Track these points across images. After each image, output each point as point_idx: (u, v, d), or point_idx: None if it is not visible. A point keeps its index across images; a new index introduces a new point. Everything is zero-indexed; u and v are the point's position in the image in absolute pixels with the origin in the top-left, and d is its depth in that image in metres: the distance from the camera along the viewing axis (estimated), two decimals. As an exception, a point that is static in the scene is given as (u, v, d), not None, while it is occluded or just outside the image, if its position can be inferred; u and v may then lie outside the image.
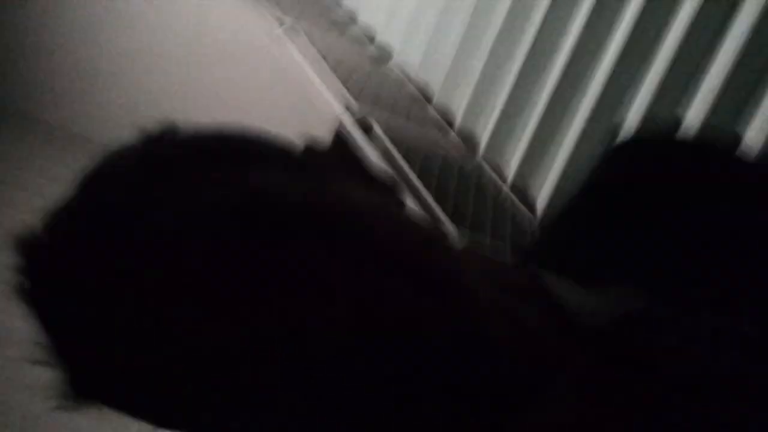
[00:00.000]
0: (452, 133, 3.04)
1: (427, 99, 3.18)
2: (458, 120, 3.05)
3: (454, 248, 0.67)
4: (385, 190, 0.71)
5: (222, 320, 0.56)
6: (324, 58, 3.04)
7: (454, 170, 2.69)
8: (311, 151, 0.70)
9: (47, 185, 3.19)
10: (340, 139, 0.72)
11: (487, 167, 2.85)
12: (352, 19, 3.63)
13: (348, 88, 2.88)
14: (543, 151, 2.74)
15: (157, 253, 0.57)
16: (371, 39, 3.50)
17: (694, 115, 2.32)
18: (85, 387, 0.59)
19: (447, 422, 0.59)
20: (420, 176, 2.50)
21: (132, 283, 0.57)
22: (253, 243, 0.58)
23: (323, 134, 0.73)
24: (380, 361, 0.57)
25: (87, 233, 0.59)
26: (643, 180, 0.84)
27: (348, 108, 2.74)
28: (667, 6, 2.51)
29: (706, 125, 2.24)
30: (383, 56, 3.40)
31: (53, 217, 0.61)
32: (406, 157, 2.55)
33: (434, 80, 3.20)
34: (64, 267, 0.59)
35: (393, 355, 0.58)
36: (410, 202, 2.35)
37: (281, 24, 3.21)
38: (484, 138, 2.95)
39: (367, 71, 3.18)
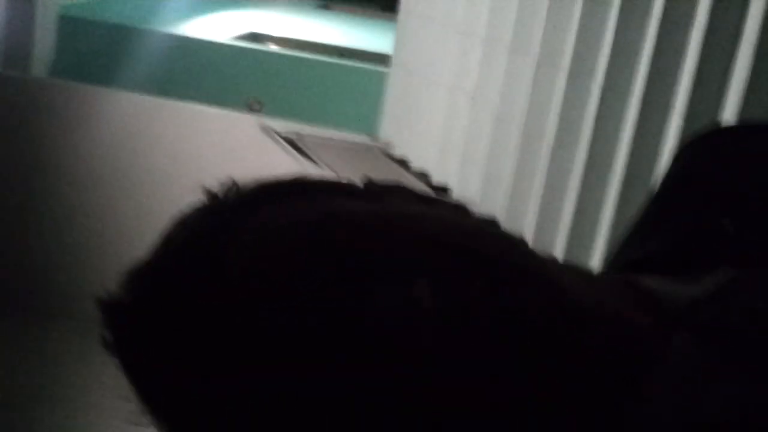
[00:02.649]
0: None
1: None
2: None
3: (538, 252, 0.67)
4: (453, 207, 0.70)
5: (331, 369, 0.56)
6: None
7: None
8: (372, 184, 0.70)
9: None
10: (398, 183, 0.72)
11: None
12: (404, 165, 3.65)
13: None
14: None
15: (241, 290, 0.57)
16: (427, 181, 3.50)
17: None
18: None
19: (565, 419, 0.57)
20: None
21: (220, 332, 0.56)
22: (340, 262, 0.58)
23: None
24: (477, 356, 0.56)
25: (166, 285, 0.59)
26: (727, 163, 0.78)
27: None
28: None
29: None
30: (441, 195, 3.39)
31: (132, 276, 0.61)
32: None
33: (496, 211, 3.17)
34: (146, 325, 0.59)
35: (489, 352, 0.56)
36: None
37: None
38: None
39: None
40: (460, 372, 0.56)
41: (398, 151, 3.68)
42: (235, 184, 0.65)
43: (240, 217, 0.62)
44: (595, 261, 2.80)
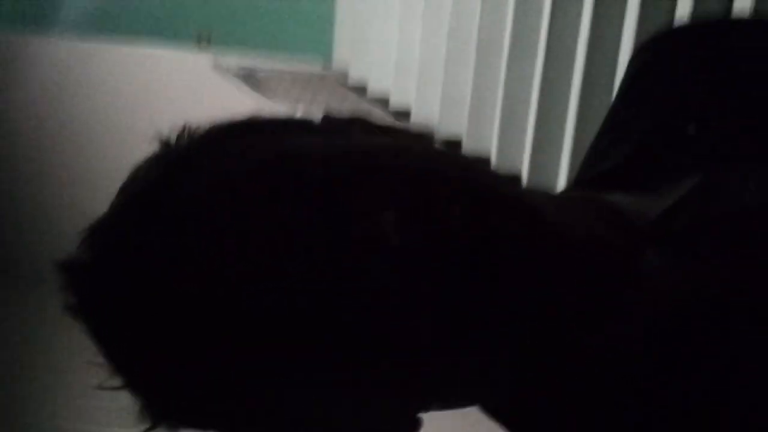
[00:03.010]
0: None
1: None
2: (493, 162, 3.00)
3: (503, 174, 0.66)
4: (417, 136, 0.68)
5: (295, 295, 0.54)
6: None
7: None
8: (330, 118, 0.68)
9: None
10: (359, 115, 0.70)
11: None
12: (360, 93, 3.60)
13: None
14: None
15: (197, 237, 0.55)
16: (385, 103, 3.46)
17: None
18: (158, 410, 0.57)
19: (539, 334, 0.57)
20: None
21: (181, 280, 0.55)
22: (305, 200, 0.56)
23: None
24: (459, 286, 0.55)
25: (124, 242, 0.57)
26: (685, 62, 0.75)
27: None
28: None
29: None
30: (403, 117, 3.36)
31: (91, 233, 0.59)
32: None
33: (459, 131, 3.14)
34: (108, 285, 0.57)
35: (472, 278, 0.55)
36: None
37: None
38: (524, 172, 2.89)
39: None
40: (437, 311, 0.54)
41: (354, 75, 3.63)
42: (187, 128, 0.64)
43: (194, 164, 0.60)
44: (560, 177, 2.79)
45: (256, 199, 0.56)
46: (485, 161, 0.74)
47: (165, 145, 0.63)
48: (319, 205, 0.56)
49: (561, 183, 2.80)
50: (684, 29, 0.84)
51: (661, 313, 0.58)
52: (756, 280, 0.57)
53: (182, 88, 3.68)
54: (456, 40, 3.14)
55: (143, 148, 0.65)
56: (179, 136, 0.63)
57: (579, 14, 2.72)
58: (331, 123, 0.67)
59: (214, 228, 0.56)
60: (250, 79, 3.52)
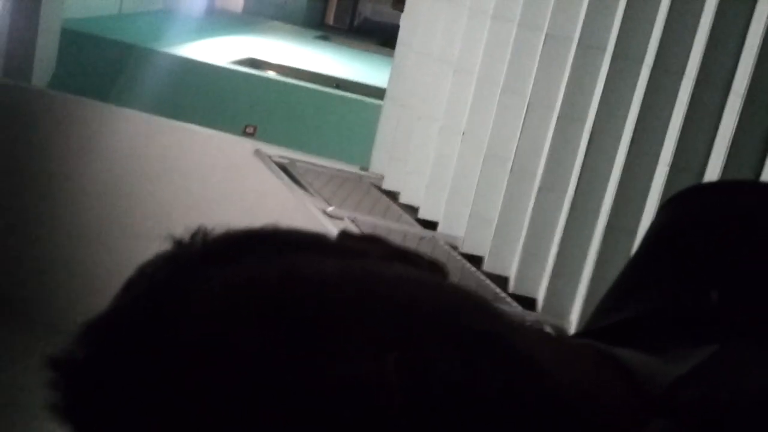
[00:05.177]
0: (507, 296, 3.03)
1: (477, 266, 3.18)
2: (512, 282, 3.06)
3: (514, 319, 0.63)
4: (432, 268, 0.65)
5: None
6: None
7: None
8: (347, 237, 0.66)
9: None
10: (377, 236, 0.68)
11: (547, 326, 2.81)
12: (393, 197, 3.68)
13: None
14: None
15: (200, 353, 0.55)
16: (415, 211, 3.54)
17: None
18: None
19: None
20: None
21: (178, 390, 0.54)
22: (295, 328, 0.54)
23: None
24: None
25: (121, 343, 0.57)
26: (712, 223, 0.74)
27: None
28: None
29: None
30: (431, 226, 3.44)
31: (86, 331, 0.58)
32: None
33: (482, 248, 3.21)
34: (101, 383, 0.56)
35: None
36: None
37: (324, 210, 3.26)
38: (540, 297, 2.94)
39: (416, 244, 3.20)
40: None
41: (388, 184, 3.73)
42: (201, 232, 0.62)
43: (201, 271, 0.58)
44: (576, 309, 2.83)
45: (248, 324, 0.55)
46: (498, 307, 0.70)
47: (178, 246, 0.61)
48: (316, 343, 0.53)
49: (575, 313, 2.85)
50: (711, 188, 0.84)
51: None
52: None
53: (220, 168, 3.78)
54: (491, 163, 3.23)
55: (177, 217, 0.66)
56: (193, 239, 0.62)
57: (612, 157, 2.81)
58: (347, 244, 0.65)
59: (204, 347, 0.55)
60: (288, 168, 3.61)
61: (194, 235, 0.62)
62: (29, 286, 3.84)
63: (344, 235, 0.66)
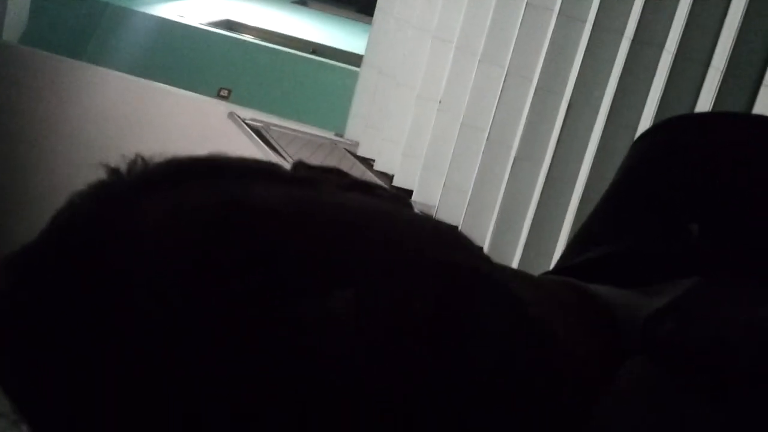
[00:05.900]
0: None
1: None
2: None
3: (481, 250, 0.56)
4: (391, 198, 0.59)
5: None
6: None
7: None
8: (302, 166, 0.59)
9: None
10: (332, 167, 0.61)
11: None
12: (368, 164, 3.67)
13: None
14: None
15: (133, 288, 0.48)
16: (390, 179, 3.53)
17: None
18: None
19: None
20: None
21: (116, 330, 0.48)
22: (244, 270, 0.47)
23: None
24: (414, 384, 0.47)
25: (50, 278, 0.51)
26: (688, 156, 0.69)
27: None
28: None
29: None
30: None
31: (8, 264, 0.53)
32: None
33: (456, 218, 3.20)
34: (27, 323, 0.50)
35: (432, 373, 0.47)
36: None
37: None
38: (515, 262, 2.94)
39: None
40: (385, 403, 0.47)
41: (363, 151, 3.70)
42: (140, 160, 0.56)
43: (132, 201, 0.52)
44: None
45: (180, 258, 0.48)
46: (464, 234, 0.56)
47: (112, 174, 0.56)
48: (258, 279, 0.47)
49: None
50: (686, 120, 0.78)
51: None
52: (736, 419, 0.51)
53: (193, 130, 3.74)
54: (468, 132, 3.21)
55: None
56: (130, 167, 0.56)
57: (590, 128, 2.80)
58: (302, 173, 0.58)
59: (132, 285, 0.48)
60: (262, 132, 3.57)
61: (131, 164, 0.56)
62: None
63: (299, 164, 0.59)
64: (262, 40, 5.83)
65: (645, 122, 2.62)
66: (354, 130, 3.82)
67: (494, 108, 3.09)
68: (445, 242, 0.53)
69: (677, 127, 0.73)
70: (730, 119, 0.77)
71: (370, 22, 3.99)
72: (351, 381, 0.46)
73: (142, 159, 0.56)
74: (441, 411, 0.47)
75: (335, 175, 0.59)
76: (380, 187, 0.59)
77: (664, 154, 0.70)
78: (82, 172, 0.56)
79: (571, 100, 2.83)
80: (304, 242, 0.49)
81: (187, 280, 0.47)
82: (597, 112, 2.78)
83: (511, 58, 3.02)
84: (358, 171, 3.53)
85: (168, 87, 3.98)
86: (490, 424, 0.49)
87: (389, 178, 3.53)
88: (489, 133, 3.11)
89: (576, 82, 2.81)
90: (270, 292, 0.47)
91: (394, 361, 0.46)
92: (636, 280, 0.61)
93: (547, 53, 2.90)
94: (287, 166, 0.60)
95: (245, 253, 0.48)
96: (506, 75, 3.04)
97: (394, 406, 0.47)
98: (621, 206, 0.70)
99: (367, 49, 3.84)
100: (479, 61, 3.16)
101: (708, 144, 0.70)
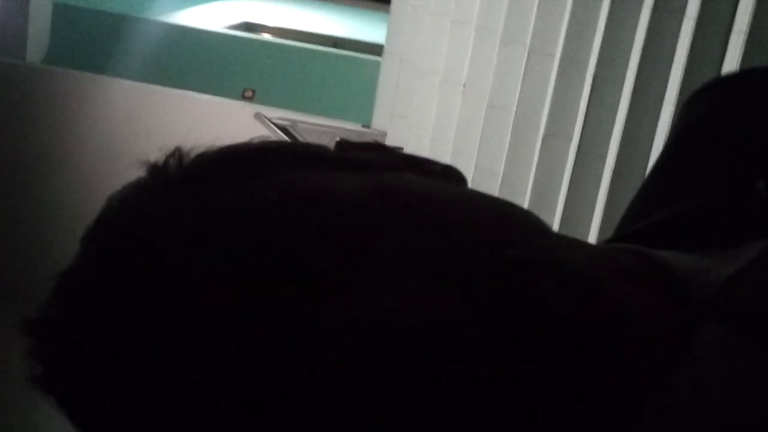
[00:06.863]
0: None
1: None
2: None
3: (549, 227, 0.55)
4: (443, 172, 0.57)
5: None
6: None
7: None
8: (348, 145, 0.57)
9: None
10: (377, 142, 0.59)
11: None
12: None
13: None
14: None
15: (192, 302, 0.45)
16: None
17: None
18: None
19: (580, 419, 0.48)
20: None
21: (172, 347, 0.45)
22: (322, 256, 0.45)
23: None
24: (499, 362, 0.45)
25: (104, 297, 0.48)
26: (747, 113, 0.65)
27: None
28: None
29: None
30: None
31: (61, 284, 0.50)
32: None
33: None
34: (81, 345, 0.48)
35: (512, 354, 0.46)
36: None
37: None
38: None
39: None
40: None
41: (392, 140, 3.70)
42: (179, 153, 0.53)
43: (180, 200, 0.49)
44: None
45: (252, 261, 0.46)
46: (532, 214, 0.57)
47: (153, 170, 0.53)
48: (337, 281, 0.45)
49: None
50: (740, 76, 0.75)
51: (709, 412, 0.49)
52: None
53: (221, 133, 3.75)
54: (494, 113, 3.20)
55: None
56: (167, 162, 0.53)
57: (617, 101, 2.78)
58: (350, 152, 0.56)
59: (199, 294, 0.46)
60: (290, 130, 3.59)
61: (168, 158, 0.53)
62: (25, 267, 3.83)
63: (344, 143, 0.57)
64: (282, 39, 5.85)
65: (671, 91, 2.60)
66: (381, 120, 3.83)
67: (519, 87, 3.07)
68: (509, 221, 0.52)
69: (753, 79, 0.70)
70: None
71: (387, 11, 3.99)
72: (365, 385, 0.44)
73: (180, 151, 0.53)
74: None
75: (383, 152, 0.57)
76: (430, 161, 0.58)
77: (721, 114, 0.67)
78: (117, 185, 0.54)
79: (595, 73, 2.81)
80: (384, 234, 0.47)
81: (265, 294, 0.45)
82: (622, 84, 2.76)
83: (531, 36, 3.00)
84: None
85: (193, 93, 4.01)
86: (571, 406, 0.47)
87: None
88: (516, 112, 3.10)
89: (599, 55, 2.79)
90: (362, 286, 0.45)
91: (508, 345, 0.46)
92: (700, 244, 0.59)
93: (567, 28, 2.88)
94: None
95: (328, 248, 0.46)
96: (528, 53, 3.03)
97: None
98: (677, 172, 0.67)
99: (387, 38, 3.83)
100: (500, 41, 3.15)
101: (762, 98, 0.66)
